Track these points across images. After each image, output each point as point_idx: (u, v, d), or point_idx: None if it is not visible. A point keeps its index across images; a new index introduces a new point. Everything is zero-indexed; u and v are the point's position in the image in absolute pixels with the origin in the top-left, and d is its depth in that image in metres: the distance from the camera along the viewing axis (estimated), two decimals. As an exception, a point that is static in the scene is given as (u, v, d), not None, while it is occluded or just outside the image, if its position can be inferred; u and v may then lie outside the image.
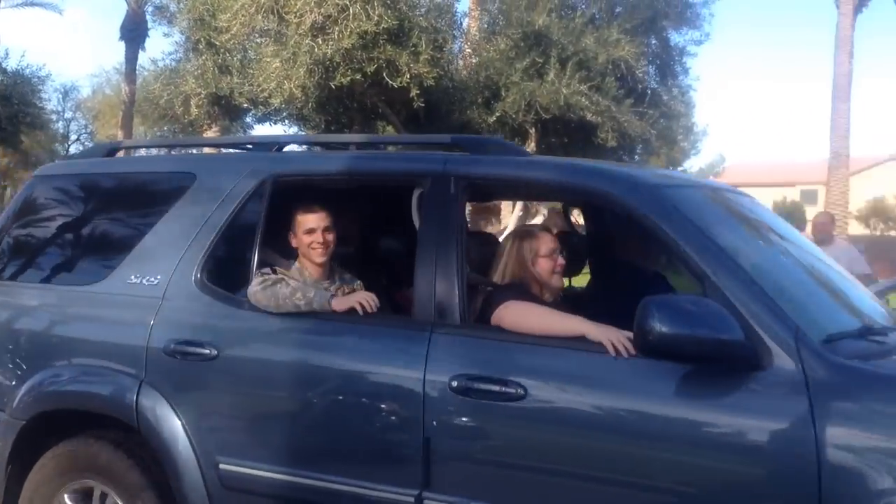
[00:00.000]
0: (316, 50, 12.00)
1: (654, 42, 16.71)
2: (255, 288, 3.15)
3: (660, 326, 2.42)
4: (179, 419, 3.20)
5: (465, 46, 15.54)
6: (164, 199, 3.57)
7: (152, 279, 3.37)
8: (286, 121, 16.63)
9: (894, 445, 2.29)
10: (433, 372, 2.81)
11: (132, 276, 3.42)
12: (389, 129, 15.15)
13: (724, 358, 2.45)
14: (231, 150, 4.50)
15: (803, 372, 2.37)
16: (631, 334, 2.55)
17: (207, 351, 3.17)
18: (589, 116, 13.90)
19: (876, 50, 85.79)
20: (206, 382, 3.22)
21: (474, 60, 14.59)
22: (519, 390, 2.68)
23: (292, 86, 12.43)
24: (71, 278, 3.70)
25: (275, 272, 3.27)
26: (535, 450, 2.71)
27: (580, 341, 2.71)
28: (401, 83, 12.14)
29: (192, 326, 3.26)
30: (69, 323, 3.60)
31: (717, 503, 2.46)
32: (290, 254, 3.45)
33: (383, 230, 3.92)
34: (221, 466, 3.10)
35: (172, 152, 5.32)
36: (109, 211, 3.82)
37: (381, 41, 12.00)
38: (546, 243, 3.31)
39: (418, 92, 12.21)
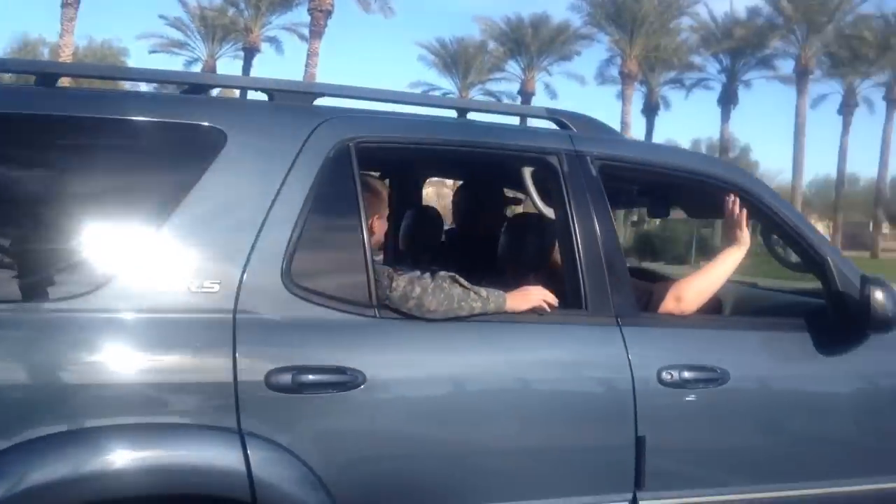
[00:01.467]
0: None
1: None
2: (416, 290, 2.59)
3: (894, 308, 2.97)
4: (315, 478, 2.39)
5: None
6: (179, 167, 2.52)
7: (207, 285, 2.38)
8: None
9: None
10: (639, 367, 2.78)
11: (163, 282, 2.37)
12: None
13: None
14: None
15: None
16: None
17: (350, 378, 2.44)
18: None
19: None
20: (347, 420, 2.47)
21: None
22: (724, 375, 2.89)
23: None
24: (41, 290, 2.31)
25: (394, 269, 2.70)
26: (738, 429, 2.96)
27: (782, 322, 3.15)
28: None
29: (311, 346, 2.48)
30: (67, 364, 2.27)
31: None
32: None
33: None
34: None
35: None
36: (76, 178, 2.45)
37: None
38: None
39: None
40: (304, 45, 38.00)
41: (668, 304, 3.05)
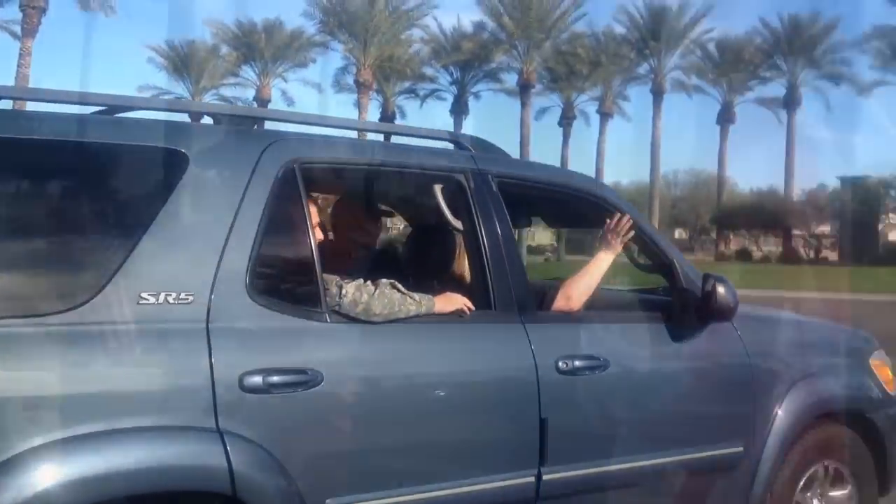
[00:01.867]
0: None
1: None
2: (364, 297, 2.85)
3: (734, 300, 3.49)
4: (283, 469, 2.59)
5: None
6: (149, 188, 2.70)
7: (183, 296, 2.53)
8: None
9: None
10: (540, 358, 3.11)
11: (145, 295, 2.48)
12: None
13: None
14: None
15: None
16: None
17: (311, 377, 2.66)
18: None
19: None
20: (309, 415, 2.69)
21: None
22: (605, 363, 3.28)
23: None
24: (23, 305, 2.38)
25: (341, 278, 2.92)
26: (618, 407, 3.36)
27: (645, 317, 3.64)
28: None
29: (276, 350, 2.69)
30: (67, 373, 2.36)
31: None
32: None
33: None
34: None
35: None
36: (44, 200, 2.63)
37: None
38: None
39: None
40: (16, 44, 35.50)
41: (560, 303, 3.45)
